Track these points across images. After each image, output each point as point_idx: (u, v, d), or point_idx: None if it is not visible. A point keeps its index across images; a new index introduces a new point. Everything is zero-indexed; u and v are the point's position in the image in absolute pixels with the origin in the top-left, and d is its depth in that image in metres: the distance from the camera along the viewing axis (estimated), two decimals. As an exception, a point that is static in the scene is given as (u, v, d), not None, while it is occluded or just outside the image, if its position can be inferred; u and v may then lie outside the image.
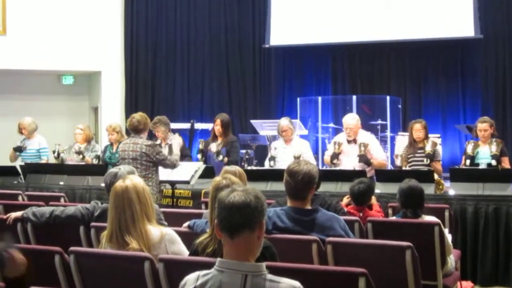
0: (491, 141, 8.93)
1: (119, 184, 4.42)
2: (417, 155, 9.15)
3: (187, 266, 3.75)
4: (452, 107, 14.53)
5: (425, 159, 8.92)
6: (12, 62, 14.74)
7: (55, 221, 5.64)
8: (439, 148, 9.43)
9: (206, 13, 16.15)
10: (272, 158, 9.66)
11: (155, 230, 4.38)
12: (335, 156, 9.36)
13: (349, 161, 9.32)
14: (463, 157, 9.18)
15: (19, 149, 11.06)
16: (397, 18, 14.46)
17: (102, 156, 10.75)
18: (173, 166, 8.03)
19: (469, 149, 8.98)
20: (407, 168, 9.06)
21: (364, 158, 9.13)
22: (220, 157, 9.52)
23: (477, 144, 9.08)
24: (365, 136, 9.61)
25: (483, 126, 9.09)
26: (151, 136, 10.62)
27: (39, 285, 3.48)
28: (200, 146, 10.06)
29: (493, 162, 8.69)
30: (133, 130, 7.96)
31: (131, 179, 4.45)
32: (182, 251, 4.43)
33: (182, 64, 16.20)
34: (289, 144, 9.84)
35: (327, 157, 9.73)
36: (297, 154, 9.24)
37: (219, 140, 9.85)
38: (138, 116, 8.01)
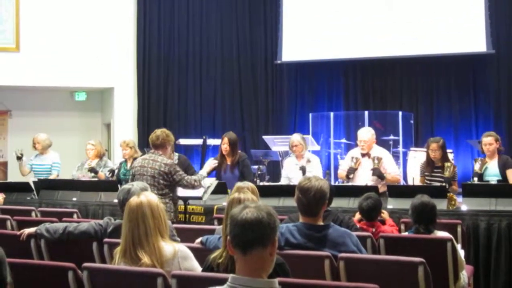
0: (500, 157, 8.98)
1: (134, 199, 4.46)
2: (434, 174, 9.08)
3: (200, 282, 3.77)
4: (464, 122, 14.47)
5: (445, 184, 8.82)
6: (25, 79, 14.85)
7: (68, 237, 5.65)
8: (456, 169, 9.36)
9: (218, 29, 16.23)
10: (289, 179, 9.69)
11: (168, 247, 4.39)
12: (352, 171, 9.32)
13: (363, 175, 9.30)
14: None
15: (19, 158, 11.08)
16: (409, 34, 14.46)
17: (117, 172, 10.74)
18: (191, 186, 7.86)
19: (477, 166, 8.94)
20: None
21: (377, 172, 9.10)
22: None
23: (484, 161, 9.04)
24: (378, 151, 9.56)
25: (488, 140, 9.06)
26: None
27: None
28: None
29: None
30: (152, 145, 7.90)
31: (146, 195, 4.50)
32: (195, 267, 4.44)
33: (194, 80, 16.25)
34: (300, 161, 9.82)
35: (342, 172, 9.70)
36: (301, 165, 9.30)
37: (228, 160, 9.81)
38: (159, 131, 7.89)
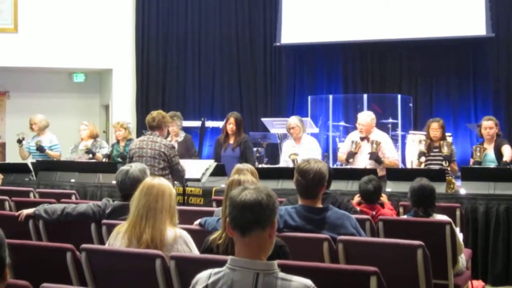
0: (496, 141, 8.99)
1: (152, 179, 4.56)
2: (432, 154, 9.10)
3: (198, 264, 3.76)
4: (463, 106, 14.45)
5: (444, 162, 8.83)
6: (23, 60, 14.79)
7: (66, 218, 5.66)
8: (454, 148, 9.38)
9: (217, 11, 16.15)
10: (287, 163, 9.66)
11: (170, 232, 4.40)
12: (352, 155, 9.31)
13: (362, 159, 9.29)
14: (471, 161, 9.13)
15: (19, 141, 11.08)
16: (408, 16, 14.39)
17: (109, 154, 10.77)
18: (182, 174, 7.99)
19: (477, 155, 8.92)
20: (423, 167, 9.03)
21: (374, 156, 9.09)
22: None
23: (483, 148, 9.02)
24: (378, 135, 9.52)
25: (488, 123, 9.06)
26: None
27: (50, 282, 3.48)
28: None
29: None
30: (149, 126, 7.96)
31: (163, 180, 4.58)
32: (194, 252, 4.43)
33: (193, 62, 16.20)
34: (299, 143, 9.81)
35: (341, 155, 9.68)
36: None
37: (232, 139, 9.82)
38: (155, 113, 8.01)
